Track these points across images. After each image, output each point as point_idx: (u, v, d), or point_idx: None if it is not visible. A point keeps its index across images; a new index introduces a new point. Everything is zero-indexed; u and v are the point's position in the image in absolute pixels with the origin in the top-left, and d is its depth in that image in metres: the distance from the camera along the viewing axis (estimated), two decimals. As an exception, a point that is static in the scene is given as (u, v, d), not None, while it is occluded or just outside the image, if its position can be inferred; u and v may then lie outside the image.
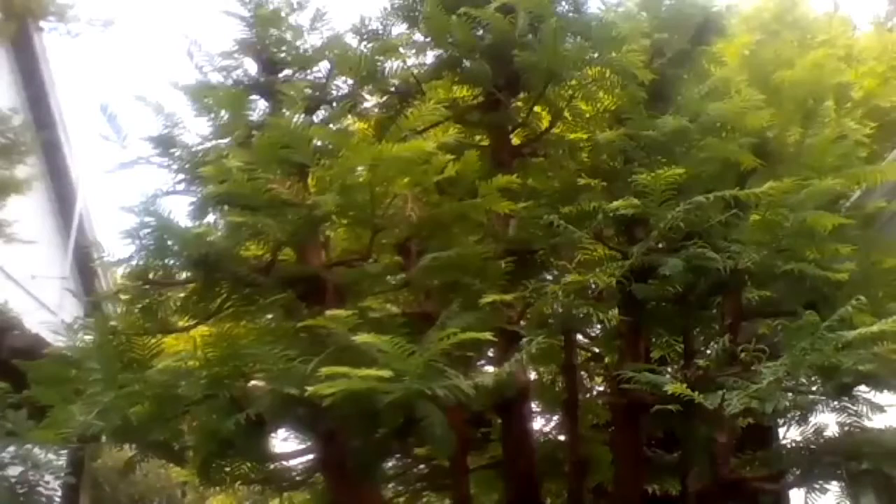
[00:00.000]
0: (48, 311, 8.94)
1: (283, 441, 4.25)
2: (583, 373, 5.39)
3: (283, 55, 4.38)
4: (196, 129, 4.17)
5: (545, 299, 3.88)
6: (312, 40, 4.42)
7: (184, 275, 3.97)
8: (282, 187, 3.50)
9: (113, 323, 4.01)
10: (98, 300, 4.75)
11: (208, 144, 4.15)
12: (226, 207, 3.83)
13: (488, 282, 3.80)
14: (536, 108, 4.87)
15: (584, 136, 4.96)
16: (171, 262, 3.87)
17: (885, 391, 3.76)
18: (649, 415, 3.86)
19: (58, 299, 9.56)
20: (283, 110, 3.93)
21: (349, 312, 3.01)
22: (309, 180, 3.94)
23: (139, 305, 4.00)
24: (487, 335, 2.91)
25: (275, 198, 3.51)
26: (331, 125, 4.29)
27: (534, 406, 5.16)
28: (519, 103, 4.84)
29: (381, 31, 4.78)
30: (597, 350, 5.34)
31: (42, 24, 8.48)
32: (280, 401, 3.09)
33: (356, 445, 3.49)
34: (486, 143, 4.90)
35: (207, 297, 3.98)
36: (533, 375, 5.34)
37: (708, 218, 3.77)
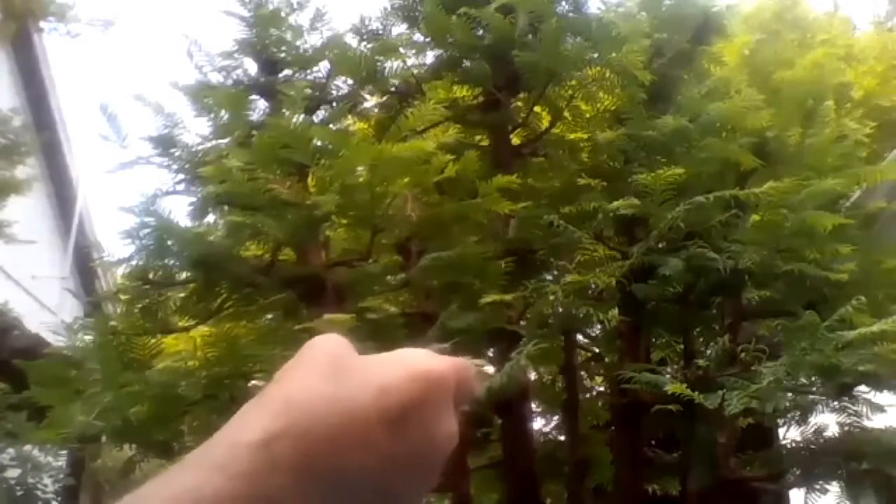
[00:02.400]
0: (48, 312, 8.94)
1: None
2: (583, 373, 5.38)
3: (283, 55, 4.39)
4: (196, 129, 4.19)
5: (545, 299, 3.87)
6: (312, 40, 4.43)
7: (184, 275, 3.97)
8: (282, 187, 3.50)
9: (113, 323, 4.00)
10: (98, 300, 4.76)
11: (208, 144, 4.15)
12: (226, 207, 3.83)
13: (488, 282, 3.79)
14: (536, 108, 4.87)
15: (584, 136, 4.96)
16: (171, 262, 3.87)
17: (885, 391, 3.76)
18: (649, 415, 3.85)
19: (58, 299, 9.55)
20: (283, 110, 3.93)
21: (348, 316, 3.01)
22: (309, 180, 3.94)
23: (139, 305, 4.00)
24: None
25: (275, 198, 3.51)
26: (331, 125, 4.29)
27: (534, 406, 5.15)
28: (519, 103, 4.84)
29: (381, 31, 4.79)
30: (597, 350, 5.33)
31: (42, 24, 8.50)
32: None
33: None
34: (486, 143, 4.90)
35: (207, 297, 3.97)
36: (533, 375, 5.33)
37: (708, 218, 3.76)
